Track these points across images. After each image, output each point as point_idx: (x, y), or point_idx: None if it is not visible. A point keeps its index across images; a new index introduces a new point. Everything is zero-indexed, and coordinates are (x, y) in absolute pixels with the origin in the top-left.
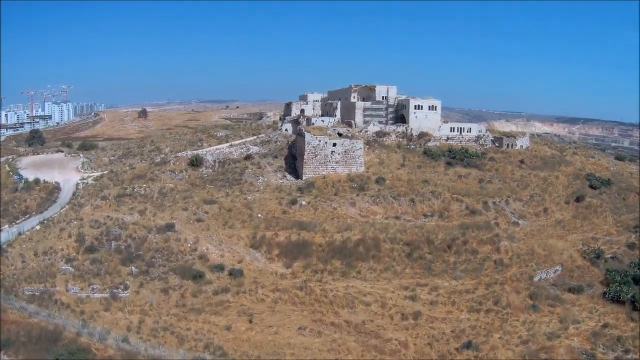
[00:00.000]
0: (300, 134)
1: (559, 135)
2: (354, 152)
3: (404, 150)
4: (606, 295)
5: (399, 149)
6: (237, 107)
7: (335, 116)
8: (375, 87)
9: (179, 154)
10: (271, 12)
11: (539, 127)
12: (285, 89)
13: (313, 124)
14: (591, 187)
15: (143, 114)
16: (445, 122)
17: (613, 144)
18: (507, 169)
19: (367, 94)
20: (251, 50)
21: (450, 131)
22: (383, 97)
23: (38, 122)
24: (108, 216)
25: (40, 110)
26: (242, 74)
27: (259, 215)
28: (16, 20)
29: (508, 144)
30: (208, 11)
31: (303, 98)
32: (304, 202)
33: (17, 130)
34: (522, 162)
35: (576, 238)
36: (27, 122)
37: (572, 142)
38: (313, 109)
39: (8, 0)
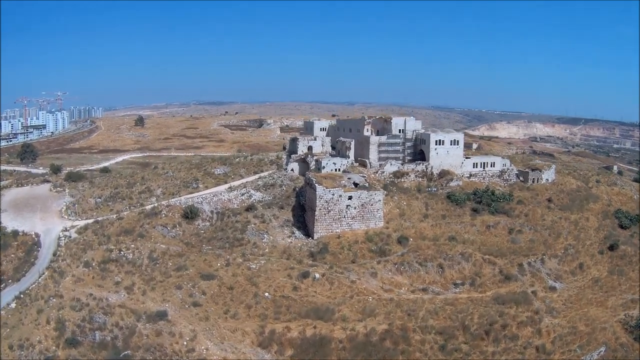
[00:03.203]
0: (310, 184)
1: (561, 138)
2: (372, 205)
3: (425, 194)
4: None
5: (420, 194)
6: (236, 112)
7: (349, 157)
8: (391, 118)
9: (172, 201)
10: (270, 13)
11: (541, 129)
12: (285, 90)
13: (324, 167)
14: (621, 226)
15: (140, 122)
16: (468, 157)
17: (615, 145)
18: (536, 214)
19: (382, 126)
20: (250, 52)
21: (473, 167)
22: (400, 130)
23: (32, 132)
24: (91, 294)
25: (35, 118)
26: (241, 75)
27: (266, 294)
28: (12, 27)
29: (534, 179)
30: (207, 13)
31: (309, 127)
32: (317, 275)
33: (11, 141)
34: (549, 200)
35: (616, 303)
36: (20, 133)
37: (575, 146)
38: (322, 145)
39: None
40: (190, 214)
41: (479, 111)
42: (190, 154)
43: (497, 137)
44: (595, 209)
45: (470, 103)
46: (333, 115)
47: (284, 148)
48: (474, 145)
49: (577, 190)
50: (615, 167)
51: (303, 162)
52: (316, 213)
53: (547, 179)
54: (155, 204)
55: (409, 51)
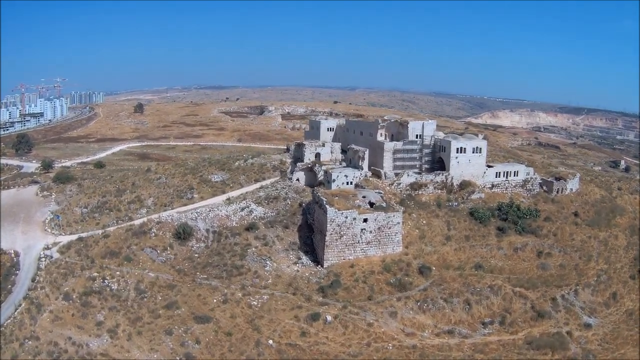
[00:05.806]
0: (319, 204)
1: (565, 128)
2: (389, 228)
3: (445, 210)
4: None
5: (440, 209)
6: (238, 98)
7: (362, 168)
8: (407, 122)
9: (164, 216)
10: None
11: (544, 118)
12: (287, 74)
13: (334, 180)
14: None
15: (139, 108)
16: (490, 165)
17: (618, 137)
18: (565, 232)
19: (397, 130)
20: (251, 37)
21: (496, 176)
22: (417, 135)
23: (29, 120)
24: (70, 338)
25: (33, 106)
26: (242, 60)
27: (270, 341)
28: (13, 15)
29: (558, 189)
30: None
31: (315, 127)
32: (329, 317)
33: (8, 129)
34: (576, 215)
35: None
36: (18, 121)
37: (579, 137)
38: (332, 152)
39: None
40: (183, 233)
41: (481, 98)
42: (189, 143)
43: (501, 127)
44: (623, 224)
45: (471, 89)
46: (335, 102)
47: (287, 149)
48: (480, 136)
49: (601, 201)
50: (622, 162)
51: (310, 171)
52: (327, 238)
53: (572, 189)
54: (145, 219)
55: (410, 37)
